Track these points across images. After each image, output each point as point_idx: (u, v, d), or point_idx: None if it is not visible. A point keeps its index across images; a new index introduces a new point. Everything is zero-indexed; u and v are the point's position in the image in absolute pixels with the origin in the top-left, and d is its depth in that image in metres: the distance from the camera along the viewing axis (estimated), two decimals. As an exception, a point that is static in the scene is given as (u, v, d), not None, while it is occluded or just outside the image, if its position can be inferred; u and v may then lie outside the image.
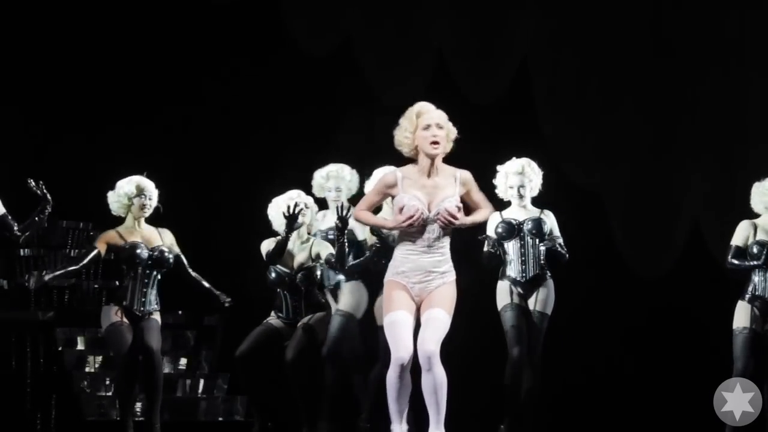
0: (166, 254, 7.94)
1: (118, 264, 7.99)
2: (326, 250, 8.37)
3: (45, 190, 7.79)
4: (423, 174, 6.27)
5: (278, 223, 8.40)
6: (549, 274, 8.46)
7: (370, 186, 8.66)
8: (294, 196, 8.39)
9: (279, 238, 8.26)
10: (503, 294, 8.43)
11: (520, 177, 8.53)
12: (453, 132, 6.32)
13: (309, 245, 8.45)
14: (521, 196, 8.53)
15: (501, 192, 8.59)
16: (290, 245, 8.35)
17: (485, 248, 8.50)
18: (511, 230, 8.47)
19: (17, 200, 7.94)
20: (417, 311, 6.33)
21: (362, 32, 11.01)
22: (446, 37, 11.07)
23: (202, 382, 9.93)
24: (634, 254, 11.02)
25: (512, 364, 8.30)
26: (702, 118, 11.01)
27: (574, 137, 11.00)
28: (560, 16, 11.14)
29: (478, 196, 6.39)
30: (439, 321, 6.25)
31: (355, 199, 8.18)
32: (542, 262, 8.44)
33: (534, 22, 11.14)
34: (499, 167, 8.60)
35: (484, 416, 9.12)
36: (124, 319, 7.81)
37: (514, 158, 8.60)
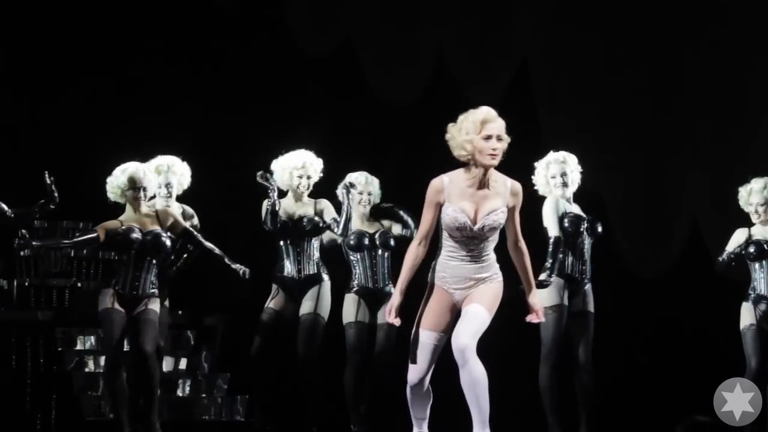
0: (162, 238, 7.79)
1: (117, 251, 7.88)
2: (330, 213, 8.42)
3: (55, 189, 7.77)
4: (473, 183, 6.06)
5: (281, 182, 8.41)
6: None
7: (341, 192, 8.70)
8: (297, 165, 8.39)
9: (266, 203, 8.27)
10: (554, 291, 8.15)
11: (562, 165, 8.27)
12: (507, 142, 6.14)
13: (312, 202, 8.46)
14: (565, 185, 8.26)
15: (541, 186, 8.31)
16: (291, 206, 8.37)
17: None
18: (579, 226, 8.26)
19: (15, 201, 7.94)
20: (453, 320, 6.12)
21: (362, 32, 11.02)
22: (446, 36, 11.08)
23: (202, 382, 9.93)
24: (634, 254, 11.02)
25: (550, 364, 8.18)
26: (702, 118, 11.01)
27: (574, 137, 10.99)
28: (560, 16, 11.14)
29: (517, 217, 6.14)
30: (475, 315, 6.02)
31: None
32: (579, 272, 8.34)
33: (534, 22, 11.15)
34: (536, 163, 8.37)
35: (524, 419, 9.16)
36: (116, 305, 7.69)
37: (552, 151, 8.39)
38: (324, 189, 8.69)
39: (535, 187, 8.34)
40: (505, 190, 6.12)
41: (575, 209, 8.33)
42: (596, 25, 11.13)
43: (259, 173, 8.28)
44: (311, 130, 10.60)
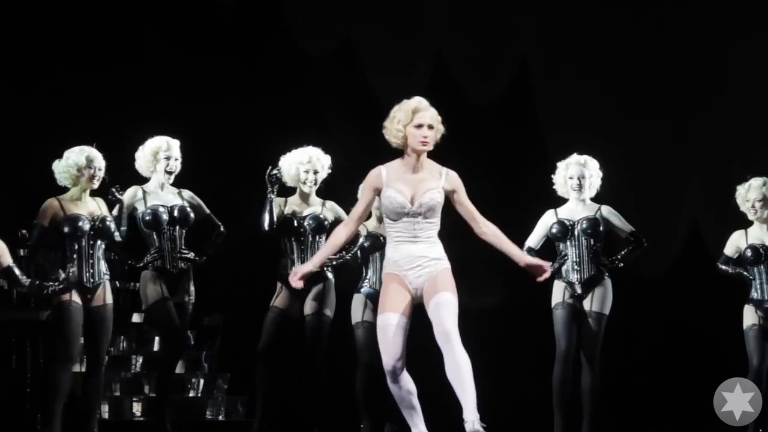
0: (108, 223, 7.84)
1: (61, 237, 7.83)
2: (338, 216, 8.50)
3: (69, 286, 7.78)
4: (408, 168, 6.33)
5: (289, 178, 8.45)
6: (606, 274, 8.43)
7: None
8: (303, 160, 8.41)
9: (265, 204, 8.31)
10: (557, 292, 8.42)
11: (580, 168, 8.45)
12: (441, 131, 6.38)
13: (320, 202, 8.51)
14: (581, 187, 8.44)
15: (559, 186, 8.53)
16: (297, 208, 8.40)
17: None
18: (565, 231, 8.44)
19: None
20: (411, 304, 6.27)
21: (362, 32, 11.02)
22: (446, 37, 11.08)
23: (202, 382, 9.92)
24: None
25: (559, 360, 8.32)
26: (702, 119, 11.01)
27: (573, 137, 11.00)
28: (560, 16, 11.14)
29: (469, 203, 6.39)
30: (448, 303, 6.19)
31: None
32: (606, 262, 8.42)
33: (534, 22, 11.15)
34: (558, 163, 8.56)
35: (538, 417, 9.16)
36: (73, 298, 7.72)
37: (575, 153, 8.57)
38: (324, 190, 8.70)
39: (554, 187, 8.47)
40: (439, 175, 6.36)
41: (569, 212, 8.47)
42: (596, 25, 11.13)
43: (269, 172, 8.31)
44: (310, 130, 10.62)
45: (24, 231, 7.88)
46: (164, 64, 10.82)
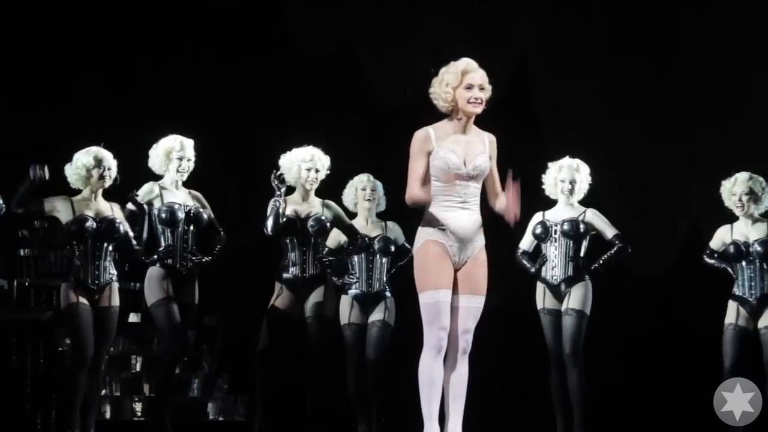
0: (116, 224, 7.79)
1: (68, 236, 7.80)
2: (341, 217, 8.53)
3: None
4: (457, 130, 6.10)
5: (290, 176, 8.43)
6: (587, 277, 8.46)
7: (347, 194, 8.78)
8: (305, 158, 8.41)
9: (272, 204, 8.26)
10: (538, 296, 8.50)
11: (572, 172, 8.49)
12: (489, 92, 6.19)
13: (320, 202, 8.49)
14: (571, 192, 8.48)
15: (549, 187, 8.57)
16: (297, 207, 8.39)
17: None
18: (546, 232, 8.48)
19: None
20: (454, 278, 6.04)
21: (362, 33, 11.02)
22: (446, 37, 11.08)
23: (202, 382, 9.93)
24: (634, 254, 11.01)
25: (552, 363, 8.44)
26: (702, 118, 11.02)
27: (573, 137, 11.01)
28: (560, 16, 11.15)
29: (496, 173, 6.20)
30: (479, 310, 6.06)
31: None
32: (586, 265, 8.45)
33: (534, 22, 11.15)
34: (550, 163, 8.58)
35: (539, 418, 9.18)
36: (81, 299, 7.68)
37: (567, 156, 8.60)
38: (323, 190, 8.70)
39: (543, 186, 8.49)
40: (485, 139, 6.18)
41: (558, 214, 8.53)
42: (596, 25, 11.13)
43: (274, 174, 8.27)
44: (310, 130, 10.63)
45: (24, 231, 7.89)
46: (163, 66, 10.83)
